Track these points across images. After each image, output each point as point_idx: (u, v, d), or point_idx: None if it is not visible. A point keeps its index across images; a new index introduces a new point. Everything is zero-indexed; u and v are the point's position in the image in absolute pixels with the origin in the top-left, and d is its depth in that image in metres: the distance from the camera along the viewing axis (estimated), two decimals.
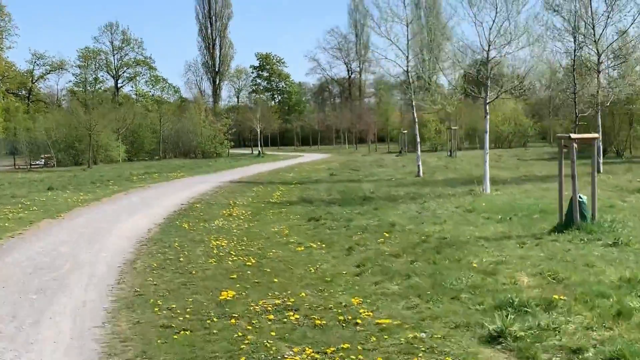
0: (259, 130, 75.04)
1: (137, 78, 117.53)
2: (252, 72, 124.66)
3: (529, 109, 76.95)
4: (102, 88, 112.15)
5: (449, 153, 55.63)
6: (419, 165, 35.25)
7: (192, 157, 75.47)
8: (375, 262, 12.47)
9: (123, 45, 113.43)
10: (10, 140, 65.56)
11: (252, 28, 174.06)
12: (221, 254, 14.13)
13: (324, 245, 14.95)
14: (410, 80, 36.09)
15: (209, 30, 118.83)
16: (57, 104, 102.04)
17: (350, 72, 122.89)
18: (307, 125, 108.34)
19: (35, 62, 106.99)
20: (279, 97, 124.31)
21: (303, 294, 10.27)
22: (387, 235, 15.63)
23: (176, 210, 22.55)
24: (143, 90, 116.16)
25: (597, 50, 31.92)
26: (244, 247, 14.90)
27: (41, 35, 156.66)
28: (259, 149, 75.48)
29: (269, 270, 12.31)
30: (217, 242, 15.57)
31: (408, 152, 62.08)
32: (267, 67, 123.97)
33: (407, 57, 35.80)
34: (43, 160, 61.90)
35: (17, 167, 59.80)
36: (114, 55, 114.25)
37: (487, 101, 25.81)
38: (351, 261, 12.94)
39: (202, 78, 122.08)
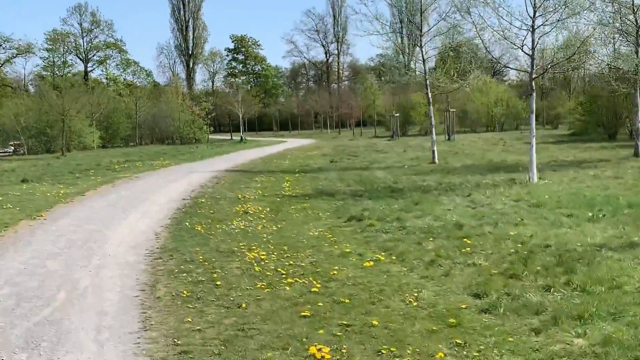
0: (240, 115, 71.01)
1: (108, 61, 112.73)
2: (227, 55, 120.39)
3: (515, 90, 74.09)
4: (72, 72, 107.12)
5: (447, 137, 52.29)
6: (434, 151, 31.95)
7: (170, 144, 71.31)
8: (493, 288, 8.99)
9: (92, 28, 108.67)
10: None
11: (226, 9, 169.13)
12: (267, 272, 10.57)
13: (393, 257, 11.53)
14: (424, 56, 32.44)
15: (182, 12, 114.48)
16: (24, 89, 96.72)
17: (328, 55, 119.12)
18: (285, 110, 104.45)
19: (0, 45, 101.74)
20: (255, 80, 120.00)
21: (439, 353, 6.73)
22: (467, 241, 12.18)
23: (179, 207, 18.84)
24: (114, 74, 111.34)
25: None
26: (291, 262, 11.35)
27: (6, 18, 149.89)
28: (241, 134, 71.53)
29: (348, 301, 8.79)
30: (254, 253, 12.00)
31: (400, 136, 58.77)
32: (243, 49, 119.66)
33: (421, 30, 32.13)
34: (12, 147, 57.41)
35: None
36: (83, 38, 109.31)
37: (533, 76, 22.38)
38: (455, 285, 9.47)
39: (176, 61, 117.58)
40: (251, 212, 17.71)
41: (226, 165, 34.65)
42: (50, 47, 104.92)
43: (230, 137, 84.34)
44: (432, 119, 33.46)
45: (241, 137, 70.00)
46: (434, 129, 33.15)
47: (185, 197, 21.09)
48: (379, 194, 20.53)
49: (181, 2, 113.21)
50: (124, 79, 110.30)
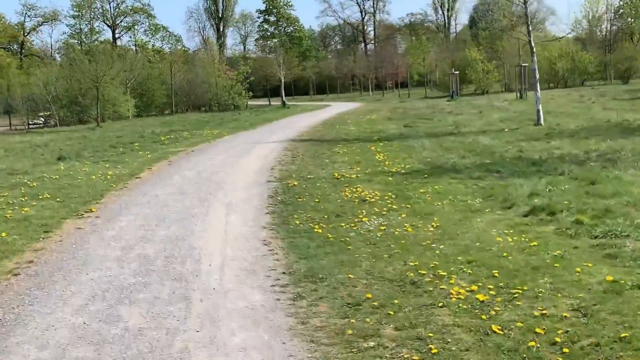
0: (282, 78, 65.98)
1: (136, 27, 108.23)
2: (259, 17, 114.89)
3: (580, 44, 68.19)
4: (99, 39, 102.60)
5: (519, 94, 46.86)
6: (538, 111, 26.79)
7: (207, 111, 66.60)
8: None
9: None
10: (4, 98, 56.47)
11: None
12: (515, 335, 5.80)
13: None
14: None
15: None
16: (51, 58, 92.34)
17: (363, 13, 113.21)
18: (322, 72, 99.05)
19: (26, 13, 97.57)
20: (289, 42, 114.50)
21: None
22: None
23: (269, 193, 14.22)
24: (142, 40, 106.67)
25: None
26: (537, 311, 6.53)
27: None
28: (283, 99, 66.49)
29: None
30: (455, 288, 7.21)
31: (461, 96, 53.57)
32: (275, 11, 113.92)
33: None
34: (43, 119, 53.14)
35: (12, 128, 51.07)
36: (110, 3, 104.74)
37: None
38: None
39: (205, 25, 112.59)
40: (369, 199, 13.00)
41: (287, 134, 29.98)
42: (77, 13, 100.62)
43: (268, 103, 79.51)
44: (536, 71, 28.19)
45: (284, 101, 65.08)
46: (538, 84, 27.96)
47: (268, 177, 16.47)
48: (518, 169, 15.69)
49: None
50: (153, 45, 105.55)
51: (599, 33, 72.28)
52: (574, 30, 75.95)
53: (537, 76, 28.18)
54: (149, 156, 22.65)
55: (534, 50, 27.67)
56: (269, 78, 78.22)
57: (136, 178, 17.38)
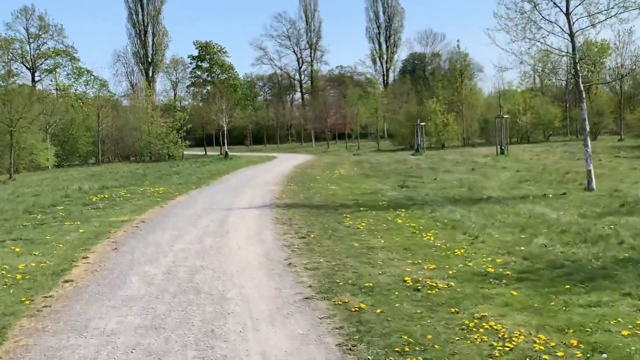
0: (225, 126, 59.23)
1: (58, 70, 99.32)
2: (191, 63, 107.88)
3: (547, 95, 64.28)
4: (17, 83, 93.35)
5: (499, 149, 41.42)
6: (590, 171, 20.89)
7: (138, 161, 58.98)
8: None
9: (40, 33, 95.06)
10: None
11: (188, 13, 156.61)
12: None
13: None
14: (572, 29, 21.35)
15: (140, 16, 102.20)
16: None
17: (300, 62, 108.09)
18: (260, 121, 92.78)
19: None
20: (222, 90, 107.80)
21: None
22: None
23: (327, 340, 7.41)
24: (64, 83, 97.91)
25: None
26: None
27: None
28: (226, 149, 59.58)
29: None
30: None
31: (426, 149, 47.97)
32: (207, 57, 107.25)
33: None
34: None
35: None
36: (29, 44, 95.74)
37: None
38: None
39: (134, 70, 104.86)
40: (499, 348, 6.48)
41: (258, 195, 23.22)
42: None
43: (204, 153, 72.45)
44: (586, 121, 22.28)
45: (226, 152, 58.10)
46: (588, 138, 22.05)
47: (295, 286, 9.71)
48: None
49: (139, 4, 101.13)
50: (76, 90, 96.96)
51: (555, 85, 68.88)
52: (522, 84, 72.50)
53: (587, 128, 22.30)
54: (80, 231, 15.49)
55: (584, 95, 21.84)
56: (205, 126, 71.41)
57: (64, 283, 10.26)
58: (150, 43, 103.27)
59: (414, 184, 25.98)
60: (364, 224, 15.61)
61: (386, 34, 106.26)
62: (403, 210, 18.18)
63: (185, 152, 70.48)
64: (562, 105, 61.46)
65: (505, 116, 43.26)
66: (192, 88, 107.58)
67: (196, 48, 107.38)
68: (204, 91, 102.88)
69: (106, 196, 24.16)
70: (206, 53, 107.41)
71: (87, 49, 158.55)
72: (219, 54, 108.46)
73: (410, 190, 23.64)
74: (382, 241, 13.24)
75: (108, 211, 19.73)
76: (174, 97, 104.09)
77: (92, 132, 58.53)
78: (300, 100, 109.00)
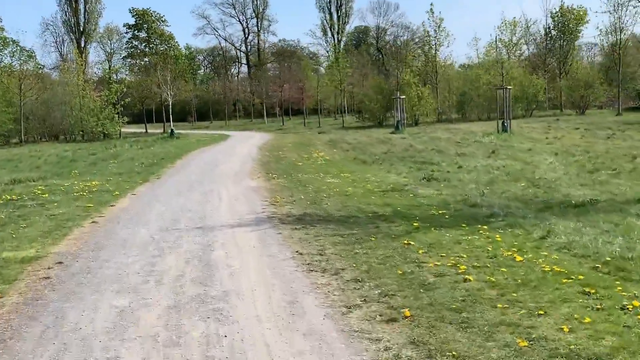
0: (170, 100, 51.07)
1: None
2: (127, 32, 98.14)
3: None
4: None
5: (501, 127, 34.62)
6: None
7: (69, 140, 50.39)
8: None
9: None
10: None
11: None
12: None
13: None
14: None
15: None
16: None
17: (246, 32, 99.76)
18: (205, 96, 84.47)
19: None
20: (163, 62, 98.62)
21: None
22: None
23: None
24: None
25: None
26: None
27: None
28: (171, 126, 51.40)
29: None
30: None
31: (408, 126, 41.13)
32: (145, 26, 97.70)
33: None
34: None
35: None
36: None
37: None
38: None
39: (64, 40, 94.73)
40: None
41: (239, 197, 15.86)
42: None
43: (145, 130, 64.10)
44: None
45: (171, 130, 49.93)
46: None
47: None
48: None
49: None
50: (1, 61, 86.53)
51: (529, 57, 62.64)
52: (488, 55, 66.28)
53: None
54: None
55: None
56: (144, 101, 63.08)
57: None
58: (82, 10, 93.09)
59: (440, 175, 19.06)
60: (460, 266, 8.50)
61: (337, 2, 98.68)
62: (479, 225, 11.21)
63: (123, 130, 62.02)
64: (540, 78, 55.23)
65: (508, 87, 36.56)
66: (128, 60, 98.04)
67: (133, 16, 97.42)
68: (142, 63, 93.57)
69: (13, 198, 16.41)
70: (144, 22, 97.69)
71: (11, 16, 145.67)
72: (158, 22, 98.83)
73: (447, 186, 16.72)
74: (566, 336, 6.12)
75: (12, 225, 12.19)
76: (109, 69, 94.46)
77: (15, 107, 49.60)
78: (247, 74, 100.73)
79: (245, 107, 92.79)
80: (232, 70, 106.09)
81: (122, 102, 53.22)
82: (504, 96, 34.53)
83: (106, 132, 51.34)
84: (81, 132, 50.61)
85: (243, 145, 38.11)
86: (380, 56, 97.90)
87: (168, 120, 51.71)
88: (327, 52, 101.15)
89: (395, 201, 14.43)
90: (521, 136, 31.98)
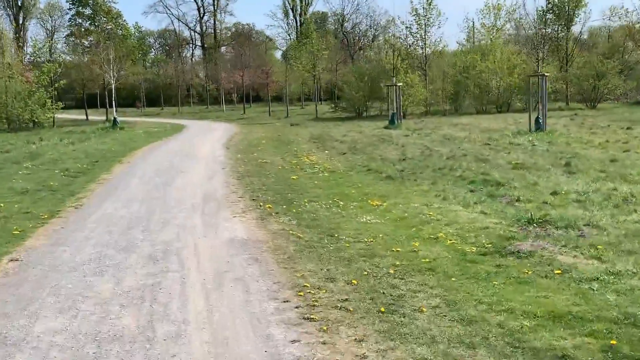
0: (113, 82, 42.19)
1: None
2: (70, 9, 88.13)
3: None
4: None
5: (535, 125, 26.75)
6: None
7: None
8: None
9: None
10: None
11: None
12: None
13: None
14: None
15: None
16: None
17: (201, 11, 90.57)
18: (157, 80, 75.39)
19: None
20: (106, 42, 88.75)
21: None
22: None
23: None
24: None
25: None
26: None
27: None
28: (114, 114, 42.51)
29: None
30: None
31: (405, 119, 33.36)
32: (90, 2, 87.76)
33: None
34: None
35: None
36: None
37: None
38: None
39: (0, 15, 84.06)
40: None
41: (229, 278, 7.81)
42: None
43: (85, 118, 55.00)
44: None
45: (114, 118, 41.05)
46: None
47: None
48: None
49: None
50: None
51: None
52: (469, 41, 59.07)
53: None
54: None
55: None
56: (86, 83, 53.99)
57: None
58: None
59: (542, 207, 11.39)
60: None
61: None
62: None
63: (59, 116, 52.83)
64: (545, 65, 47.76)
65: (546, 74, 28.94)
66: (71, 39, 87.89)
67: None
68: (86, 43, 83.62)
69: None
70: None
71: None
72: None
73: (601, 242, 8.98)
74: None
75: None
76: (49, 49, 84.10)
77: None
78: (201, 57, 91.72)
79: (199, 94, 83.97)
80: (186, 53, 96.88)
81: (56, 85, 44.08)
82: (541, 85, 26.73)
83: (36, 120, 42.25)
84: (5, 120, 41.40)
85: (204, 140, 29.87)
86: (346, 41, 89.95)
87: (112, 107, 42.75)
88: (289, 34, 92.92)
89: (560, 306, 6.60)
90: (565, 136, 24.47)
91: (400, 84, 36.31)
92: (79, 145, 28.08)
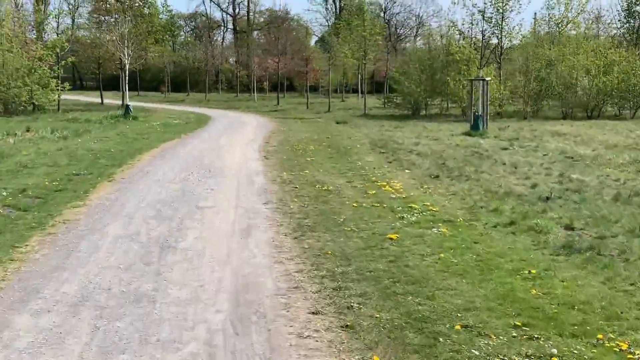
0: (127, 64, 34.99)
1: None
2: None
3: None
4: None
5: None
6: None
7: None
8: None
9: None
10: None
11: None
12: None
13: None
14: None
15: None
16: None
17: None
18: (183, 63, 68.34)
19: None
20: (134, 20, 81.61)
21: None
22: None
23: None
24: None
25: None
26: None
27: None
28: (126, 100, 35.28)
29: None
30: None
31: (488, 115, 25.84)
32: None
33: None
34: None
35: None
36: None
37: None
38: None
39: None
40: None
41: None
42: None
43: (100, 102, 48.12)
44: None
45: (126, 106, 33.85)
46: None
47: None
48: None
49: None
50: None
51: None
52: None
53: None
54: None
55: None
56: (102, 64, 47.05)
57: None
58: None
59: None
60: None
61: None
62: None
63: (70, 98, 46.01)
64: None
65: None
66: (95, 15, 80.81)
67: None
68: (111, 19, 76.64)
69: None
70: None
71: None
72: None
73: None
74: None
75: None
76: (72, 26, 77.16)
77: None
78: (232, 41, 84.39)
79: (228, 80, 76.70)
80: (216, 36, 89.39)
81: (62, 63, 37.00)
82: None
83: (37, 103, 35.24)
84: (1, 101, 34.44)
85: (233, 141, 22.57)
86: (388, 30, 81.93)
87: (124, 93, 35.44)
88: (327, 20, 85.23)
89: None
90: None
91: (489, 78, 28.53)
92: (70, 142, 21.01)
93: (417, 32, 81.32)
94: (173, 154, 18.64)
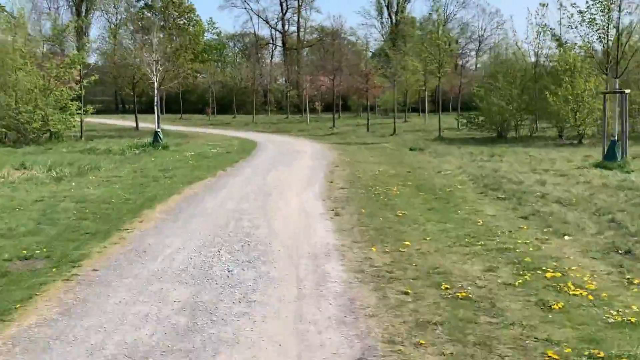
0: (156, 85, 29.22)
1: None
2: (138, 1, 77.15)
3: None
4: None
5: None
6: None
7: None
8: None
9: None
10: None
11: None
12: None
13: None
14: None
15: None
16: None
17: (284, 8, 77.86)
18: (229, 84, 63.00)
19: None
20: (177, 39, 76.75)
21: None
22: None
23: None
24: None
25: None
26: None
27: None
28: (157, 126, 29.31)
29: None
30: None
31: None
32: None
33: None
34: None
35: None
36: None
37: None
38: None
39: (60, 6, 74.00)
40: None
41: None
42: None
43: (135, 126, 42.84)
44: None
45: (156, 133, 28.11)
46: None
47: None
48: None
49: None
50: None
51: None
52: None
53: None
54: None
55: None
56: (136, 83, 41.80)
57: None
58: None
59: None
60: None
61: None
62: None
63: (106, 122, 40.85)
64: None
65: None
66: (138, 34, 76.31)
67: None
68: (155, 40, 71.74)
69: None
70: None
71: None
72: None
73: None
74: None
75: None
76: (114, 45, 72.59)
77: None
78: (281, 59, 79.04)
79: (277, 100, 71.23)
80: (265, 55, 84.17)
81: (86, 82, 31.51)
82: None
83: (54, 130, 29.78)
84: (3, 131, 29.08)
85: (286, 182, 16.35)
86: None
87: (157, 117, 29.51)
88: (383, 35, 79.15)
89: None
90: None
91: (628, 90, 21.71)
92: (62, 187, 15.11)
93: (479, 46, 74.53)
94: (196, 207, 12.53)
